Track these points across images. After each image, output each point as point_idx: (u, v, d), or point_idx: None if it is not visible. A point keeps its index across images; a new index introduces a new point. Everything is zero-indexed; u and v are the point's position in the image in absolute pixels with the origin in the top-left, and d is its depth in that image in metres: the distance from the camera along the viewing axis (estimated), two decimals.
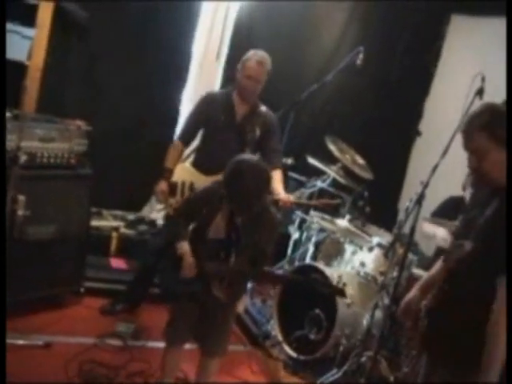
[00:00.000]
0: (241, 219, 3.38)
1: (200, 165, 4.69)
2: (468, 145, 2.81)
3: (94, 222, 5.47)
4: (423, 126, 7.17)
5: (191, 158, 4.90)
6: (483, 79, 4.43)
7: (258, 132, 4.65)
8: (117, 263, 5.43)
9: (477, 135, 2.76)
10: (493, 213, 2.77)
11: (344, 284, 4.70)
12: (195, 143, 4.96)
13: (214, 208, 3.40)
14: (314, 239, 5.58)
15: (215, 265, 3.36)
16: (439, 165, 4.26)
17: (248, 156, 3.60)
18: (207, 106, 4.72)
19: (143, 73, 5.76)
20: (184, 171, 4.69)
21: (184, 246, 3.40)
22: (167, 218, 4.84)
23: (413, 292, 3.19)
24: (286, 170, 5.56)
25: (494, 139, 2.73)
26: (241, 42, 6.08)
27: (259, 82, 4.63)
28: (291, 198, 4.37)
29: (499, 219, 2.71)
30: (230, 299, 3.48)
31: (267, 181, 3.34)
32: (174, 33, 5.84)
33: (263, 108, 4.77)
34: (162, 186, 4.55)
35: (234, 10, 6.15)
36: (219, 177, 4.51)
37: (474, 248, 2.73)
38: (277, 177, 4.59)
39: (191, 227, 3.56)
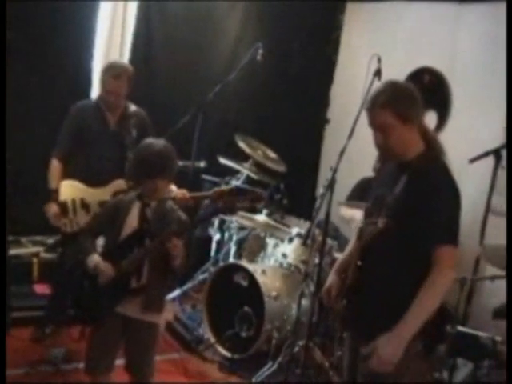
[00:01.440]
0: (151, 211, 3.38)
1: (84, 179, 4.61)
2: (373, 122, 2.86)
3: (13, 251, 5.33)
4: (331, 113, 7.30)
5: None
6: (379, 60, 4.53)
7: (134, 133, 4.63)
8: (41, 289, 5.31)
9: (380, 112, 2.81)
10: (402, 189, 2.82)
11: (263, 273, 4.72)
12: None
13: (124, 212, 3.40)
14: (235, 238, 5.60)
15: (130, 259, 3.32)
16: (349, 148, 4.34)
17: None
18: (78, 119, 4.65)
19: (46, 85, 5.62)
20: (71, 189, 4.60)
21: (94, 258, 3.36)
22: (65, 237, 4.76)
23: (330, 276, 3.22)
24: (199, 172, 5.59)
25: (397, 115, 2.78)
26: (142, 43, 6.05)
27: (119, 94, 4.59)
28: (186, 193, 4.36)
29: (409, 194, 2.78)
30: (153, 307, 3.43)
31: (173, 155, 3.41)
32: (74, 36, 5.63)
33: (133, 107, 4.76)
34: (53, 209, 4.49)
35: (132, 11, 6.03)
36: (108, 187, 4.56)
37: (387, 224, 2.78)
38: None
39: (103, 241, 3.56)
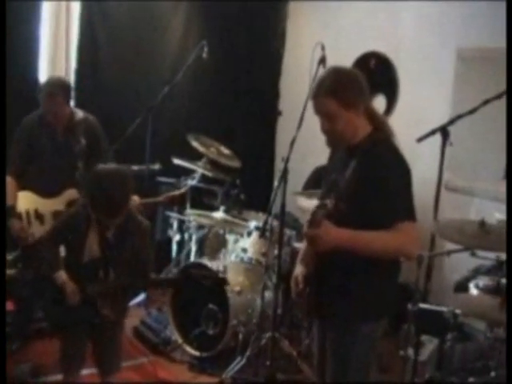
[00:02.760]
0: (111, 233, 3.37)
1: (37, 189, 4.59)
2: (318, 109, 2.88)
3: None
4: (282, 105, 7.34)
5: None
6: (323, 48, 4.54)
7: (83, 141, 4.57)
8: None
9: (323, 100, 2.83)
10: (352, 171, 2.84)
11: (225, 270, 4.75)
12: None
13: (83, 230, 3.37)
14: (194, 237, 5.60)
15: (96, 285, 3.34)
16: (301, 138, 4.36)
17: (105, 165, 3.54)
18: (26, 132, 4.60)
19: None
20: (25, 200, 4.57)
21: (62, 275, 3.36)
22: (23, 251, 4.72)
23: (297, 266, 3.24)
24: (154, 175, 5.57)
25: (341, 102, 2.79)
26: (87, 47, 6.02)
27: (56, 113, 4.53)
28: (137, 200, 4.34)
29: (359, 177, 2.81)
30: (118, 316, 3.49)
31: (130, 182, 3.34)
32: (18, 41, 5.51)
33: (80, 114, 4.70)
34: (16, 224, 4.46)
35: (75, 13, 5.96)
36: (61, 197, 4.56)
37: (336, 205, 2.80)
38: None
39: (63, 254, 3.53)
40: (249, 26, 7.00)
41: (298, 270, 3.17)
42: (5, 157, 3.84)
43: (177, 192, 4.91)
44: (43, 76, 5.75)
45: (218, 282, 3.79)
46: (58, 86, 4.53)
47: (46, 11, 5.83)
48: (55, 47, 5.97)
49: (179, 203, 5.30)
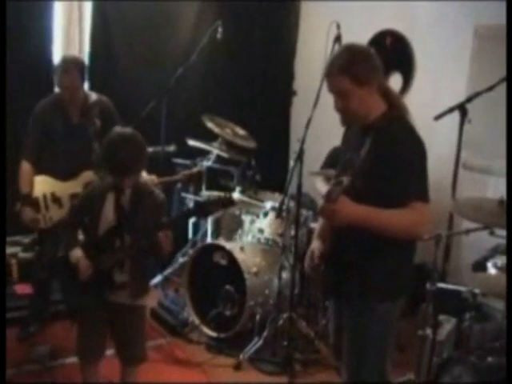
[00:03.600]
0: (127, 201, 3.34)
1: (53, 172, 4.60)
2: (331, 87, 2.86)
3: None
4: (297, 85, 7.29)
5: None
6: (338, 26, 4.52)
7: (98, 122, 4.60)
8: (22, 289, 5.28)
9: (336, 78, 2.80)
10: (368, 150, 2.83)
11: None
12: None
13: (99, 205, 3.35)
14: (211, 218, 5.59)
15: (111, 254, 3.30)
16: (317, 118, 4.34)
17: (122, 129, 3.51)
18: (41, 118, 4.61)
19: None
20: (41, 184, 4.58)
21: (76, 253, 3.33)
22: (40, 234, 4.77)
23: (313, 241, 3.24)
24: (169, 157, 5.56)
25: (354, 79, 2.77)
26: (100, 32, 5.99)
27: (74, 87, 4.54)
28: (155, 179, 4.34)
29: (375, 155, 2.79)
30: (137, 292, 3.44)
31: (143, 143, 3.33)
32: (29, 38, 5.60)
33: (94, 96, 4.72)
34: (27, 213, 4.46)
35: (88, 9, 5.98)
36: (78, 179, 4.57)
37: (353, 183, 2.78)
38: None
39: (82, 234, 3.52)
40: (263, 6, 6.93)
41: (315, 244, 3.19)
42: (5, 155, 3.84)
43: (194, 170, 4.91)
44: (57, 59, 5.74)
45: (224, 204, 3.65)
46: (73, 63, 4.55)
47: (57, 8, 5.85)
48: (68, 29, 5.97)
49: (196, 181, 5.30)
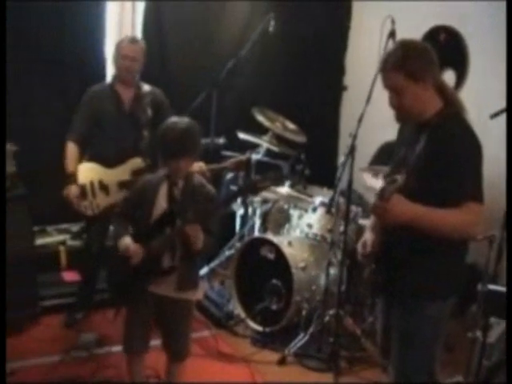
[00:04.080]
0: (179, 190, 3.36)
1: (101, 160, 4.62)
2: (386, 83, 2.84)
3: (40, 241, 5.39)
4: (348, 80, 7.23)
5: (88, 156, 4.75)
6: (393, 22, 4.47)
7: (149, 112, 4.64)
8: (69, 276, 5.35)
9: (392, 73, 2.78)
10: (423, 147, 2.80)
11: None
12: None
13: (153, 193, 3.39)
14: (259, 212, 5.57)
15: (161, 239, 3.30)
16: (367, 114, 4.30)
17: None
18: (92, 101, 4.67)
19: (59, 84, 5.64)
20: (88, 171, 4.61)
21: (125, 240, 3.35)
22: (88, 222, 4.82)
23: (365, 233, 3.22)
24: (219, 149, 5.56)
25: (409, 75, 2.74)
26: (152, 36, 5.99)
27: (135, 59, 4.63)
28: (203, 166, 4.34)
29: (430, 152, 2.76)
30: (186, 285, 3.45)
31: (198, 132, 3.37)
32: (83, 38, 5.69)
33: (146, 87, 4.77)
34: (73, 191, 4.49)
35: (140, 6, 6.04)
36: (126, 166, 4.59)
37: (407, 180, 2.74)
38: None
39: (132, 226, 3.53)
40: (314, 1, 6.88)
41: (368, 235, 3.16)
42: (4, 153, 3.88)
43: (243, 157, 4.91)
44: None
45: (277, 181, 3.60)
46: (138, 40, 4.72)
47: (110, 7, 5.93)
48: (121, 29, 6.04)
49: (244, 169, 5.30)
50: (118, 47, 4.63)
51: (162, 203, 3.36)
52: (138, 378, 3.65)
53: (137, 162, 4.60)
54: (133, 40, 4.66)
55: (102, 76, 5.79)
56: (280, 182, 3.38)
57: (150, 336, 3.57)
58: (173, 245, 3.32)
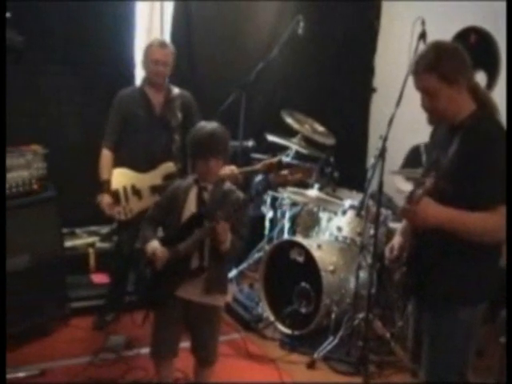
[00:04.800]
0: (209, 195, 3.38)
1: (133, 164, 4.64)
2: (418, 85, 2.80)
3: (69, 243, 5.42)
4: (377, 82, 7.19)
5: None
6: (423, 23, 4.44)
7: (179, 115, 4.67)
8: (98, 278, 5.38)
9: (425, 76, 2.74)
10: (456, 150, 2.76)
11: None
12: None
13: (183, 197, 3.41)
14: (288, 215, 5.58)
15: (189, 241, 3.29)
16: (397, 116, 4.26)
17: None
18: (123, 105, 4.68)
19: (88, 85, 5.68)
20: (121, 176, 4.64)
21: (153, 244, 3.35)
22: (119, 225, 4.84)
23: (394, 238, 3.20)
24: (247, 152, 5.56)
25: (442, 77, 2.70)
26: (181, 37, 6.02)
27: (166, 64, 4.64)
28: (234, 169, 4.35)
29: (463, 155, 2.72)
30: (217, 288, 3.45)
31: (227, 134, 3.44)
32: (113, 39, 5.73)
33: (176, 90, 4.78)
34: (106, 199, 4.55)
35: (169, 8, 6.05)
36: (158, 170, 4.60)
37: (436, 184, 2.71)
38: None
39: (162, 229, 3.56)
40: (344, 1, 6.86)
41: (396, 240, 3.14)
42: (4, 155, 3.90)
43: (274, 159, 4.89)
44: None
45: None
46: (167, 42, 4.74)
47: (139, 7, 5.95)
48: (150, 29, 6.06)
49: (276, 172, 5.28)
50: (148, 51, 4.64)
51: (191, 207, 3.38)
52: (167, 379, 3.64)
53: (169, 167, 4.61)
54: (162, 44, 4.66)
55: (131, 77, 5.81)
56: (309, 175, 3.36)
57: (180, 339, 3.56)
58: (201, 245, 3.32)
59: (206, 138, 3.32)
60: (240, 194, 3.46)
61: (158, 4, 6.02)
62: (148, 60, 4.63)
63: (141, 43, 5.88)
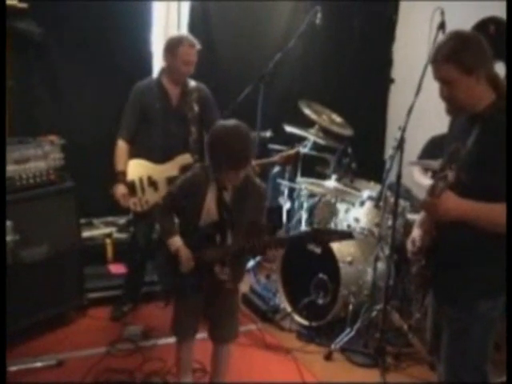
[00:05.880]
0: (230, 196, 3.32)
1: (149, 156, 4.63)
2: (437, 75, 2.76)
3: (86, 233, 5.42)
4: (395, 72, 7.16)
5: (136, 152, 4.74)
6: (442, 13, 4.40)
7: (196, 108, 4.66)
8: (116, 269, 5.39)
9: (444, 65, 2.70)
10: (474, 141, 2.72)
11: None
12: None
13: (200, 194, 3.31)
14: (305, 205, 5.56)
15: (213, 250, 3.30)
16: (415, 106, 4.23)
17: (227, 121, 3.37)
18: (140, 97, 4.66)
19: (106, 77, 5.67)
20: (137, 167, 4.64)
21: (176, 242, 3.33)
22: (136, 216, 4.83)
23: (414, 231, 3.16)
24: (265, 142, 5.55)
25: (461, 67, 2.66)
26: (199, 17, 6.04)
27: (194, 64, 4.63)
28: (252, 161, 4.33)
29: (482, 147, 2.68)
30: (234, 281, 3.46)
31: (251, 136, 3.26)
32: (130, 36, 5.74)
33: (192, 83, 4.76)
34: (121, 189, 4.56)
35: (185, 6, 6.06)
36: (174, 162, 4.60)
37: (457, 178, 2.69)
38: None
39: (178, 219, 3.51)
40: None
41: (416, 232, 3.10)
42: (4, 152, 3.90)
43: (292, 151, 4.88)
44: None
45: (343, 237, 3.58)
46: (194, 39, 4.63)
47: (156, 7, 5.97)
48: (166, 28, 6.06)
49: (294, 163, 5.28)
50: (177, 49, 4.53)
51: (211, 207, 3.30)
52: (186, 367, 3.66)
53: (186, 158, 4.60)
54: (192, 44, 4.57)
55: (149, 69, 5.83)
56: (347, 238, 3.34)
57: (200, 320, 3.57)
58: (225, 258, 3.33)
59: (239, 151, 3.12)
60: (260, 184, 3.43)
61: (174, 2, 6.03)
62: (177, 58, 4.55)
63: (159, 35, 5.93)
